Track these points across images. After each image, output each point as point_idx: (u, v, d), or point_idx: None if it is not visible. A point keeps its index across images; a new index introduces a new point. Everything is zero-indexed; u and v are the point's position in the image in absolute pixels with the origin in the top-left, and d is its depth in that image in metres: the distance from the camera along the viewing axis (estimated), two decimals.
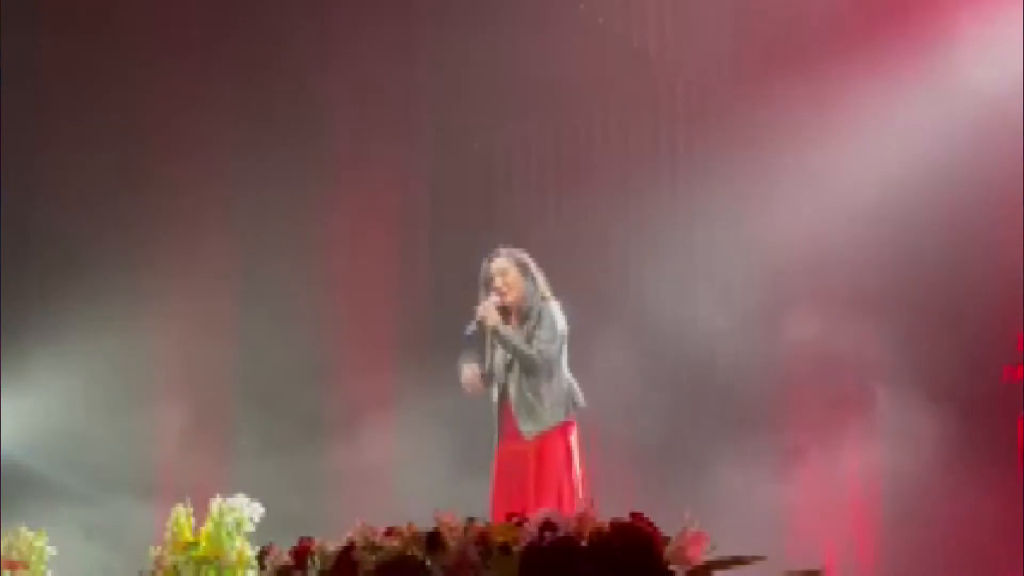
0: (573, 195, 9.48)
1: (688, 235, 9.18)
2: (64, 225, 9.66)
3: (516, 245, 7.36)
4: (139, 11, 9.76)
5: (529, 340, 6.97)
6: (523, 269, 7.09)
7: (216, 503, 6.23)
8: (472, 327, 7.01)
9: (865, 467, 8.70)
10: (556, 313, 7.01)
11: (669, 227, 9.17)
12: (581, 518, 4.43)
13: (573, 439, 6.97)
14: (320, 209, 9.63)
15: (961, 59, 8.61)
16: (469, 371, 7.09)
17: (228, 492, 6.38)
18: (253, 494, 6.41)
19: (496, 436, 7.03)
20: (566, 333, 7.02)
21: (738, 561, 4.37)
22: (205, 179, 9.72)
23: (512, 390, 6.98)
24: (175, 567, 6.12)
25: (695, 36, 9.28)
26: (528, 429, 6.92)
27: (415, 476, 8.81)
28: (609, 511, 4.56)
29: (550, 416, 6.94)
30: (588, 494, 6.81)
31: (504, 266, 7.08)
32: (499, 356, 7.06)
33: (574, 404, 7.02)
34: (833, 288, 8.83)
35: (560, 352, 7.02)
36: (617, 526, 4.38)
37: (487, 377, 7.09)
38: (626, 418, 8.80)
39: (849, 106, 8.83)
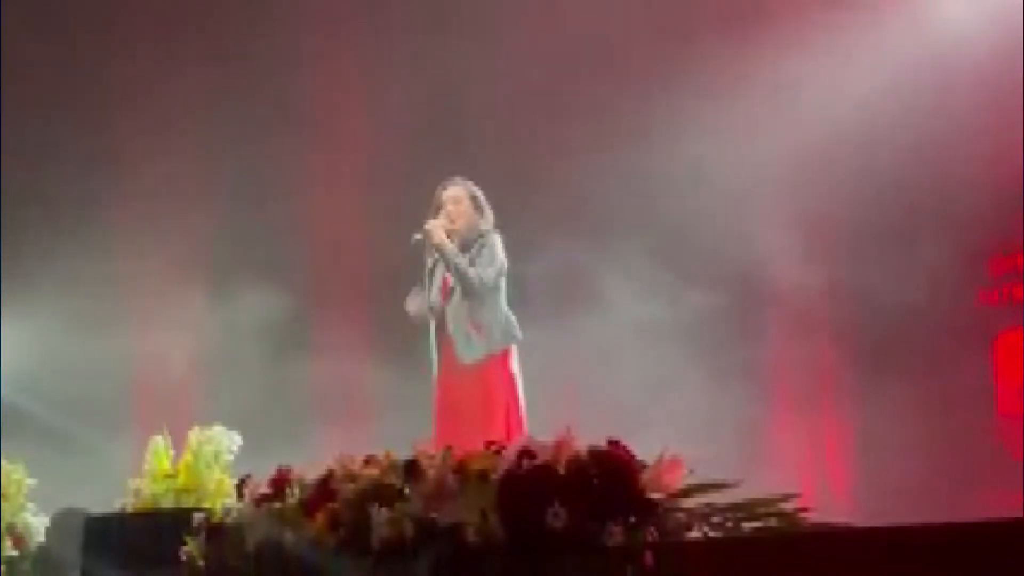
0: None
1: (670, 157, 9.10)
2: (56, 167, 9.65)
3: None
4: None
5: (471, 265, 7.06)
6: (475, 201, 7.23)
7: (194, 433, 6.25)
8: (417, 236, 7.08)
9: (838, 392, 8.75)
10: (498, 244, 7.12)
11: (646, 150, 9.10)
12: (559, 446, 4.44)
13: (514, 366, 7.04)
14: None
15: None
16: (417, 299, 7.15)
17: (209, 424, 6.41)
18: (235, 426, 6.45)
19: (436, 367, 7.10)
20: (505, 266, 7.11)
21: (715, 487, 4.39)
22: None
23: (451, 319, 7.07)
24: (154, 497, 6.14)
25: None
26: (467, 356, 7.00)
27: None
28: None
29: (488, 345, 7.01)
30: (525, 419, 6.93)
31: (458, 195, 7.21)
32: (436, 287, 7.13)
33: (513, 336, 7.09)
34: (806, 213, 8.83)
35: (498, 283, 7.10)
36: (594, 453, 4.39)
37: (431, 309, 7.15)
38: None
39: (833, 27, 8.79)
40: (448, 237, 7.13)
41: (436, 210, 7.20)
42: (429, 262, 7.16)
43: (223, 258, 9.53)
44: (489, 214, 7.24)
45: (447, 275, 7.15)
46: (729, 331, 8.77)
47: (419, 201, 7.33)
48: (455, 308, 7.10)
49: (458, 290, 7.10)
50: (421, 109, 9.41)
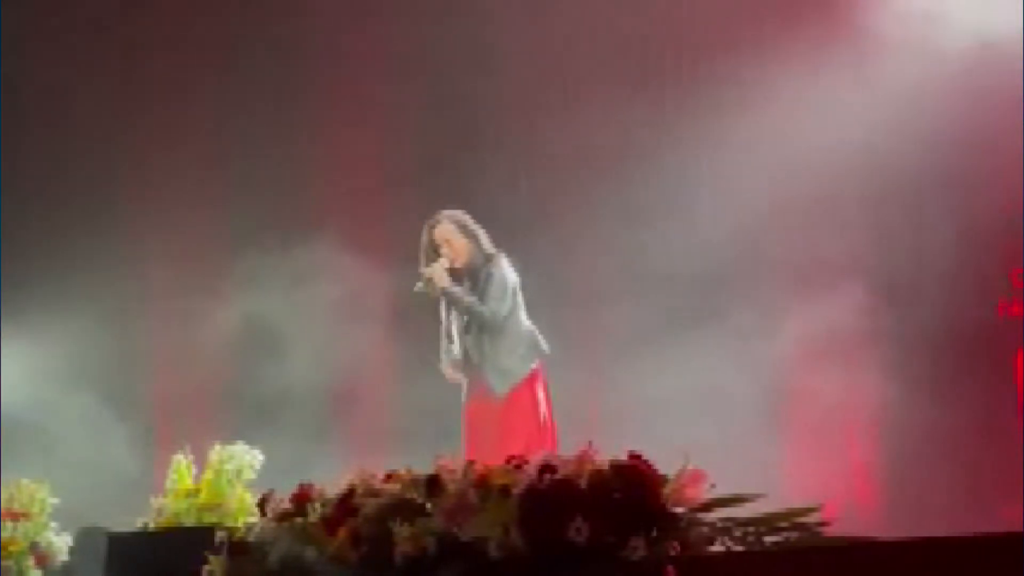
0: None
1: (677, 165, 9.09)
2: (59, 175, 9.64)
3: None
4: None
5: (481, 299, 7.03)
6: (465, 231, 7.15)
7: (216, 451, 6.27)
8: (419, 286, 7.08)
9: (863, 403, 8.71)
10: (504, 269, 7.09)
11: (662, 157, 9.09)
12: (580, 459, 4.43)
13: (539, 386, 7.04)
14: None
15: None
16: (451, 368, 7.17)
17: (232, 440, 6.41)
18: (253, 441, 6.45)
19: (464, 395, 7.10)
20: (517, 286, 7.10)
21: (739, 499, 4.37)
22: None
23: (475, 352, 7.05)
24: (176, 515, 6.14)
25: None
26: (500, 386, 6.99)
27: None
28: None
29: (519, 369, 7.01)
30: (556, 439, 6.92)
31: (447, 232, 7.13)
32: (456, 321, 7.13)
33: (539, 351, 7.08)
34: (829, 221, 8.81)
35: (515, 305, 7.08)
36: (616, 467, 4.39)
37: (458, 362, 7.18)
38: None
39: (848, 32, 8.78)
40: (455, 274, 7.12)
41: (433, 250, 7.15)
42: (442, 309, 7.16)
43: (231, 263, 9.49)
44: (482, 236, 7.18)
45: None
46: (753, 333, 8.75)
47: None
48: (478, 341, 7.09)
49: (475, 325, 7.09)
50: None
